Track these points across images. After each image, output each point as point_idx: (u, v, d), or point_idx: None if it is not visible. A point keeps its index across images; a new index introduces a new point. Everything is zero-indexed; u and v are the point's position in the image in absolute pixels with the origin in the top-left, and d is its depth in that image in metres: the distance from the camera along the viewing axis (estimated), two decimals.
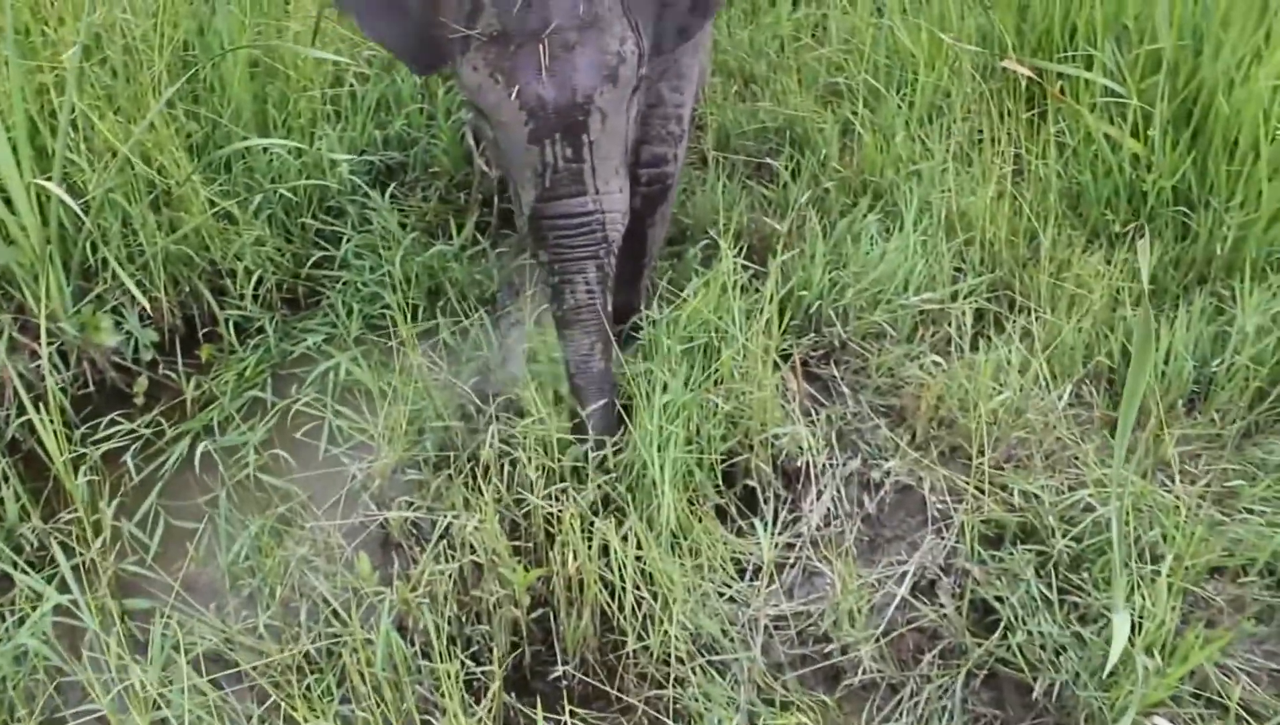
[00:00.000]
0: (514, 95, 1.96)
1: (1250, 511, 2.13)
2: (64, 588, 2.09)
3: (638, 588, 2.03)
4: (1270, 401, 2.38)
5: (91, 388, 2.70)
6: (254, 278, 2.80)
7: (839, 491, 2.30)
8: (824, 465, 2.33)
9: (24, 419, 2.43)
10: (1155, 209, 2.67)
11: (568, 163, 2.01)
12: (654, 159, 2.49)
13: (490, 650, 2.05)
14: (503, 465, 2.20)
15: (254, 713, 1.96)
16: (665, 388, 2.16)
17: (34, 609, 2.08)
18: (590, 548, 2.03)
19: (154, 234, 2.71)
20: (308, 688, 1.97)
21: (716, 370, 2.28)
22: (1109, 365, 2.46)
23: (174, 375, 2.70)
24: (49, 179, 2.54)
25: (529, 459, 2.14)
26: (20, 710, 2.00)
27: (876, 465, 2.32)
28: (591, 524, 2.05)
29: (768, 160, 3.05)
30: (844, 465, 2.34)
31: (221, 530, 2.26)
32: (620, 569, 2.02)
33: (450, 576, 2.02)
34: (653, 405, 2.13)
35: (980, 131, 2.89)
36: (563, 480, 2.17)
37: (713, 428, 2.23)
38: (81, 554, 2.23)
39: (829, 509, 2.28)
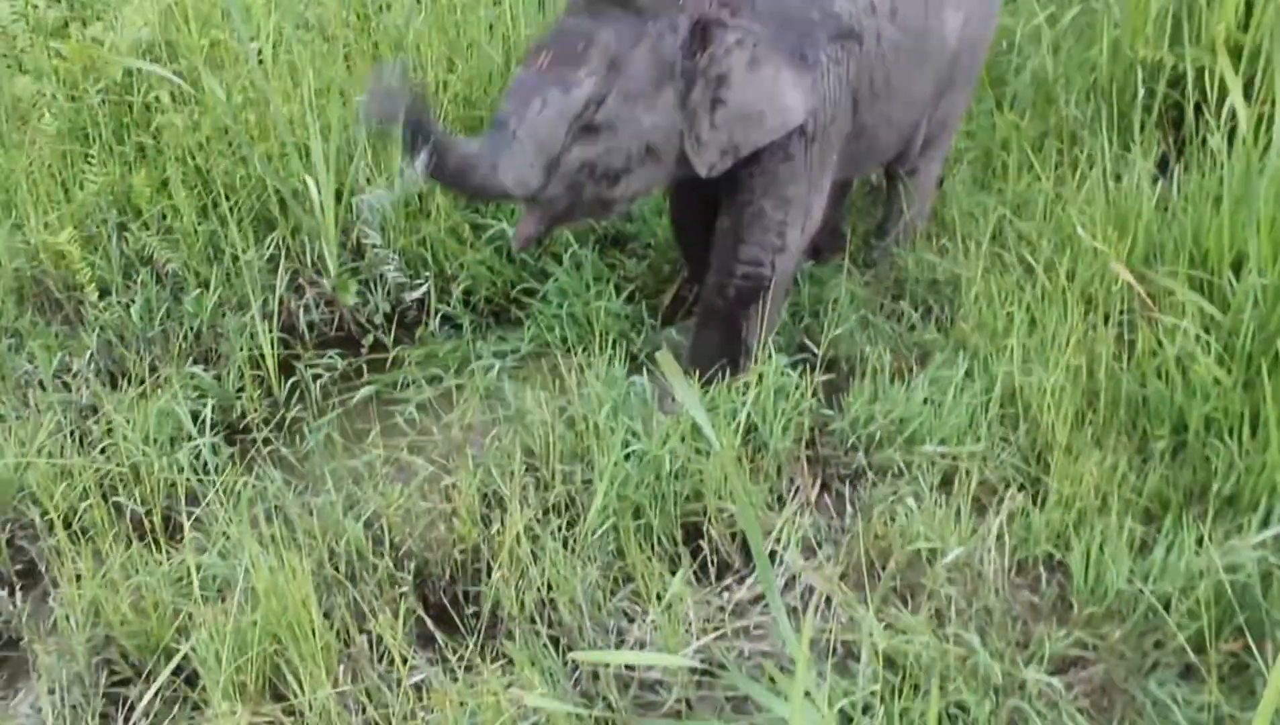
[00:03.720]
0: None
1: None
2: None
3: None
4: None
5: (338, 332, 3.66)
6: (464, 287, 3.62)
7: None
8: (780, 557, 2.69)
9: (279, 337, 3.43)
10: (1197, 430, 2.71)
11: None
12: (750, 259, 2.97)
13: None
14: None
15: None
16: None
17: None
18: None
19: (404, 234, 3.61)
20: None
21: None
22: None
23: (387, 341, 3.58)
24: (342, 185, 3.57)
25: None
26: None
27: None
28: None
29: (901, 302, 3.37)
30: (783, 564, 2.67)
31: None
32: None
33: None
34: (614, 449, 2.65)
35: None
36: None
37: (675, 486, 2.69)
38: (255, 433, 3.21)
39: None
